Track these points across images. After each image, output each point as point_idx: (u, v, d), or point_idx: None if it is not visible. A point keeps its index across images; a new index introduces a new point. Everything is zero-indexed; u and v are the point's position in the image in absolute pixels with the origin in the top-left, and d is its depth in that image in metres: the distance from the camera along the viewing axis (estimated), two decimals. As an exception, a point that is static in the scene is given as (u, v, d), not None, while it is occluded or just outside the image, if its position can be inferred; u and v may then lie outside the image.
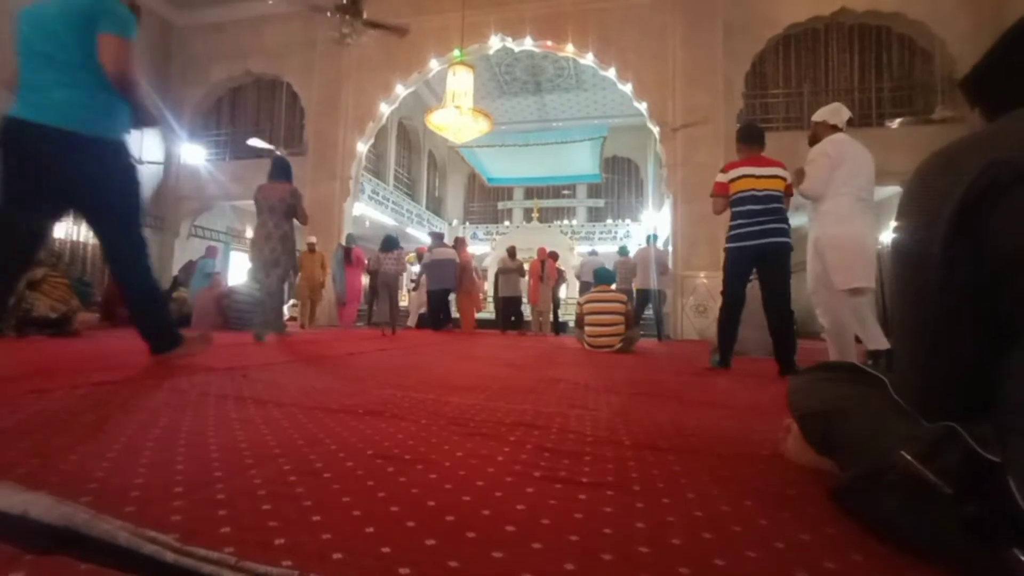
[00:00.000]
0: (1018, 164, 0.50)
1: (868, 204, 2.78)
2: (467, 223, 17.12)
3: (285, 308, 10.37)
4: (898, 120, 7.94)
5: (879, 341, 2.63)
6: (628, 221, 15.45)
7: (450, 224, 16.54)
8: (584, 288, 8.08)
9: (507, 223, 16.83)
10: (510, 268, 7.77)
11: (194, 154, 10.34)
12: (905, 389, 0.68)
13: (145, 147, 10.03)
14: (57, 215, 1.95)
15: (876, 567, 0.55)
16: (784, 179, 2.92)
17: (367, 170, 11.05)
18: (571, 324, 8.99)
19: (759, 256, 2.89)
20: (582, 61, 9.06)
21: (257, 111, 11.07)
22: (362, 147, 9.71)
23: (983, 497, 0.51)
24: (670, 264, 7.71)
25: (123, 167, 1.96)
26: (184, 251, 10.62)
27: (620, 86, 8.82)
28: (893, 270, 0.66)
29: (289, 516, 0.62)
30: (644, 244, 7.78)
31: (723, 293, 3.03)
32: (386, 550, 0.54)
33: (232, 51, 10.59)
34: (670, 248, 8.35)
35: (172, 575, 0.48)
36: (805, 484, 0.82)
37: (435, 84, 10.98)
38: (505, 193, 17.06)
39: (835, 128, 2.86)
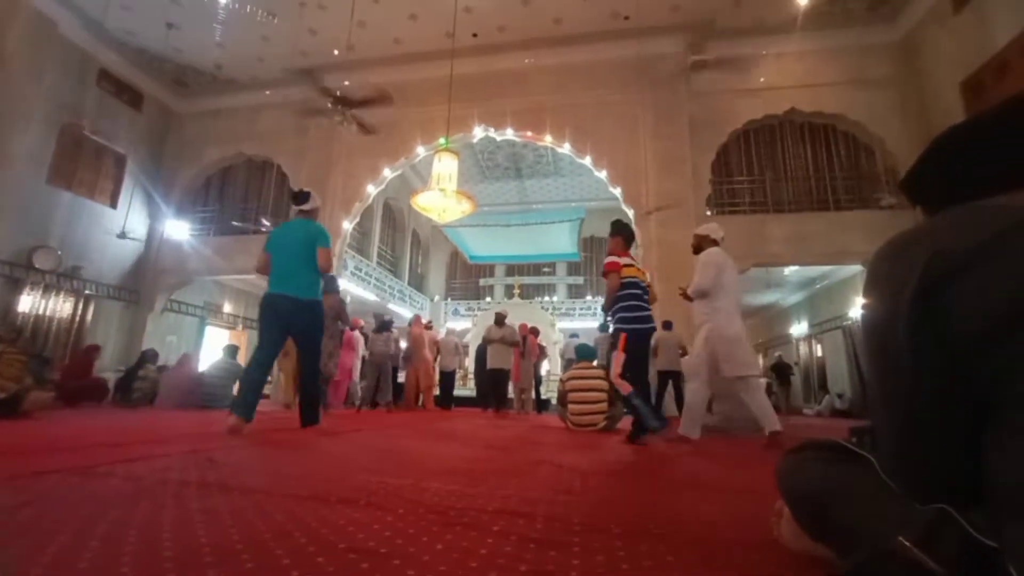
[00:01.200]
0: (960, 252, 0.54)
1: (737, 304, 3.48)
2: (449, 299, 17.20)
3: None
4: (853, 211, 8.55)
5: (774, 423, 3.14)
6: (607, 297, 15.74)
7: (432, 300, 16.59)
8: (568, 366, 8.02)
9: (488, 299, 16.96)
10: (494, 338, 7.14)
11: (178, 229, 10.39)
12: (891, 469, 0.68)
13: (130, 221, 10.07)
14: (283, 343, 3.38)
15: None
16: (645, 272, 3.62)
17: (351, 247, 11.22)
18: (554, 401, 8.83)
19: (643, 339, 3.36)
20: (560, 150, 9.70)
21: (246, 189, 11.35)
22: (347, 225, 9.93)
23: (983, 585, 0.49)
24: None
25: (320, 315, 3.39)
26: (157, 326, 10.34)
27: (596, 172, 9.40)
28: (865, 349, 0.68)
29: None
30: (665, 330, 7.85)
31: (628, 375, 3.22)
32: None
33: (227, 136, 11.07)
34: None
35: None
36: (806, 571, 0.78)
37: (421, 167, 11.54)
38: (487, 270, 17.38)
39: (715, 242, 3.59)
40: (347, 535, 0.93)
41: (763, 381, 6.89)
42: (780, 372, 11.24)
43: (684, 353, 7.55)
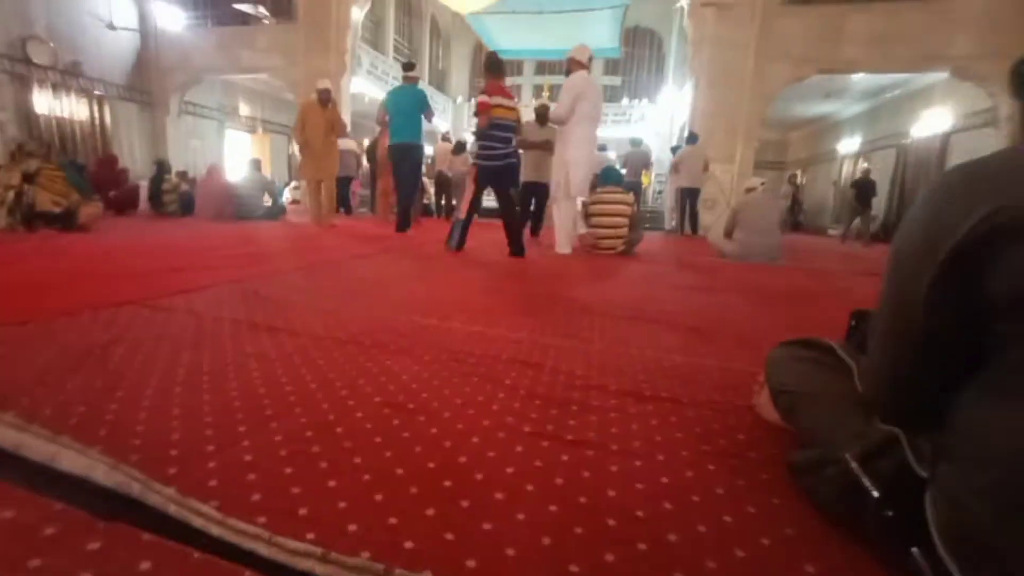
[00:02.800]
0: (1020, 217, 0.49)
1: (595, 131, 4.02)
2: (472, 100, 16.04)
3: (287, 191, 10.21)
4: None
5: (563, 246, 4.01)
6: (644, 101, 14.42)
7: (455, 102, 15.51)
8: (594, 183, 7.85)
9: (517, 101, 15.75)
10: (536, 140, 5.04)
11: (172, 18, 9.39)
12: (868, 383, 0.73)
13: (115, 5, 9.07)
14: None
15: (805, 544, 0.66)
16: (516, 109, 3.78)
17: (364, 40, 10.09)
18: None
19: (499, 172, 3.68)
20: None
21: (236, -36, 9.76)
22: (358, 14, 8.78)
23: (902, 505, 0.58)
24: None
25: (421, 153, 5.08)
26: (177, 130, 10.21)
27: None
28: (889, 265, 0.65)
29: (309, 481, 0.72)
30: (689, 143, 7.37)
31: (470, 200, 3.76)
32: (393, 521, 0.65)
33: None
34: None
35: (216, 546, 0.59)
36: (767, 446, 0.91)
37: (436, -68, 9.50)
38: (515, 67, 15.69)
39: (582, 65, 3.84)
40: (380, 386, 1.10)
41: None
42: (862, 191, 8.35)
43: (706, 168, 7.26)
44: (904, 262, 0.62)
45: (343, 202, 7.70)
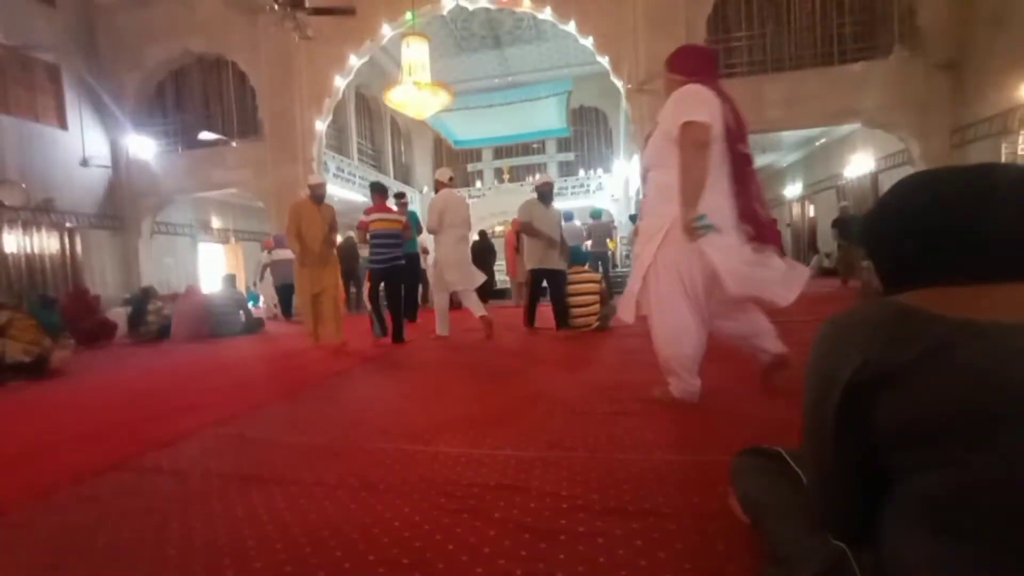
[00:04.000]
0: (888, 366, 0.60)
1: (464, 234, 4.65)
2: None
3: (259, 301, 10.17)
4: (859, 63, 7.92)
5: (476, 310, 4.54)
6: (600, 172, 15.35)
7: (420, 192, 16.20)
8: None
9: (479, 184, 16.57)
10: (542, 228, 4.60)
11: (143, 147, 9.82)
12: (807, 496, 0.81)
13: (88, 143, 9.48)
14: None
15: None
16: (400, 222, 4.68)
17: (329, 147, 10.67)
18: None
19: (386, 272, 4.57)
20: (540, 16, 8.70)
21: (205, 95, 10.47)
22: (321, 126, 9.36)
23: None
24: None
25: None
26: (150, 250, 10.32)
27: (581, 40, 8.55)
28: (805, 394, 0.76)
29: None
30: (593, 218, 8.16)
31: (371, 295, 4.84)
32: None
33: (165, 29, 9.85)
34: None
35: None
36: (744, 556, 0.97)
37: (390, 47, 10.43)
38: (474, 155, 16.68)
39: (444, 184, 4.62)
40: (374, 540, 1.12)
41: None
42: (844, 228, 8.28)
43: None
44: (810, 396, 0.72)
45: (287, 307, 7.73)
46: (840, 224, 8.35)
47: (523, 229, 4.64)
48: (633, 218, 8.56)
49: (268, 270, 7.91)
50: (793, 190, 13.06)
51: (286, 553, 1.09)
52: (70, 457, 1.89)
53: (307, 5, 5.75)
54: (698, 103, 1.89)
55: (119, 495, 1.47)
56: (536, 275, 4.72)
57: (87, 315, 5.88)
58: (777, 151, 11.91)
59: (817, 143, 11.08)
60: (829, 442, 0.68)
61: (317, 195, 4.47)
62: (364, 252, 7.23)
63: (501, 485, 1.38)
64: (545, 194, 4.79)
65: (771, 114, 8.03)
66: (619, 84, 8.49)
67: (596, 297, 4.41)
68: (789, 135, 9.98)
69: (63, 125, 9.29)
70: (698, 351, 2.03)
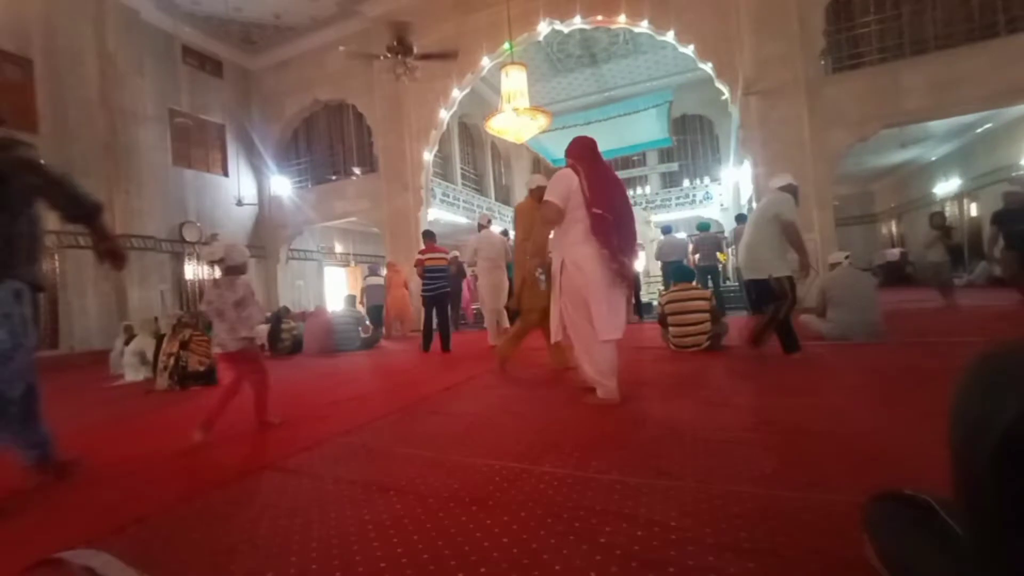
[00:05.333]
0: None
1: (497, 264, 5.47)
2: (537, 207, 17.11)
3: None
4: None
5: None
6: (707, 181, 14.56)
7: (520, 211, 16.65)
8: (666, 271, 7.86)
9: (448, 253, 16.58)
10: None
11: (281, 185, 11.38)
12: (966, 562, 0.70)
13: (242, 186, 11.22)
14: None
15: None
16: (446, 259, 5.77)
17: (435, 175, 11.45)
18: (655, 304, 8.80)
19: (435, 299, 5.65)
20: (636, 29, 8.60)
21: (330, 136, 11.90)
22: (428, 156, 10.09)
23: None
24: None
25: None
26: (285, 274, 11.86)
27: (681, 48, 8.28)
28: (951, 438, 0.67)
29: None
30: (744, 220, 7.55)
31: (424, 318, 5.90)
32: None
33: (300, 84, 11.41)
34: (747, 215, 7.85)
35: None
36: None
37: (490, 76, 11.00)
38: (572, 172, 16.77)
39: (482, 227, 5.71)
40: (485, 555, 1.18)
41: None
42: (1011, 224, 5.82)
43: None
44: (959, 442, 0.64)
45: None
46: (1004, 220, 5.72)
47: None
48: (739, 218, 7.96)
49: (364, 294, 9.03)
50: (946, 187, 11.20)
51: (407, 557, 1.19)
52: (236, 453, 2.23)
53: (415, 52, 6.31)
54: (555, 186, 2.58)
55: (272, 493, 1.71)
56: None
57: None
58: (922, 144, 10.33)
59: (978, 130, 9.43)
60: (987, 496, 0.60)
61: (538, 197, 3.83)
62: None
63: (607, 510, 1.37)
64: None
65: (911, 103, 7.05)
66: (724, 89, 8.05)
67: (706, 315, 4.16)
68: (938, 124, 8.61)
69: (225, 173, 11.15)
70: (612, 359, 2.61)
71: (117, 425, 3.21)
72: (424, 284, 5.61)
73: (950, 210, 11.22)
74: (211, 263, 2.91)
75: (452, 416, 2.67)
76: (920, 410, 2.08)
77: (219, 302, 2.52)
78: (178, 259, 9.68)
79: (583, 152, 2.70)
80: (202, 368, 4.28)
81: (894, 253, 12.56)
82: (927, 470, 1.43)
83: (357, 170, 11.04)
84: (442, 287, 5.62)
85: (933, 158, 11.39)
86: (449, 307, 6.02)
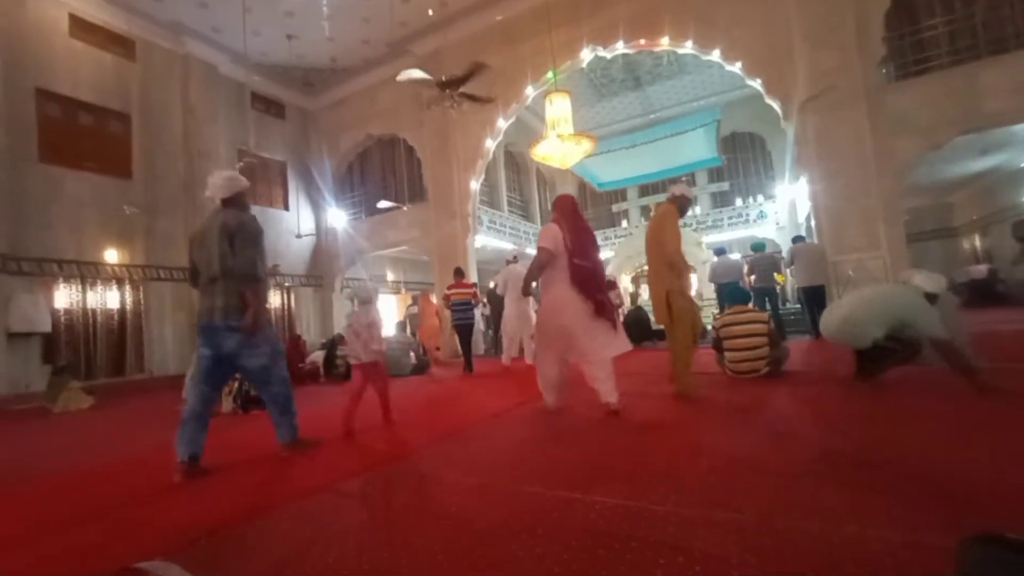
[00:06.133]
0: None
1: (517, 294, 5.69)
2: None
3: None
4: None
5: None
6: (761, 199, 14.03)
7: (566, 235, 16.66)
8: (720, 293, 7.58)
9: (624, 224, 16.43)
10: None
11: (337, 218, 12.00)
12: None
13: (301, 219, 11.94)
14: None
15: None
16: (471, 292, 6.56)
17: (482, 203, 11.71)
18: (709, 328, 8.45)
19: (461, 327, 6.47)
20: (680, 51, 8.58)
21: (382, 169, 12.50)
22: (475, 185, 10.36)
23: None
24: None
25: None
26: (341, 303, 12.36)
27: (728, 66, 8.15)
28: None
29: None
30: (801, 240, 7.24)
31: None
32: None
33: (354, 120, 12.13)
34: (814, 232, 7.47)
35: None
36: None
37: (534, 105, 11.25)
38: (618, 195, 16.66)
39: (509, 262, 6.33)
40: (534, 585, 1.15)
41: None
42: None
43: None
44: None
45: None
46: None
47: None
48: (797, 239, 7.57)
49: (408, 321, 9.47)
50: (1036, 196, 10.23)
51: (456, 586, 1.18)
52: (293, 477, 2.32)
53: (460, 88, 6.62)
54: (547, 236, 3.10)
55: (327, 515, 1.76)
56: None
57: (301, 358, 7.22)
58: (1007, 149, 9.50)
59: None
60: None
61: (683, 207, 3.72)
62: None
63: (662, 542, 1.31)
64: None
65: (992, 106, 6.53)
66: (775, 105, 7.81)
67: (764, 339, 3.95)
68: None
69: (286, 207, 11.92)
70: (553, 380, 3.25)
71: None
72: (453, 315, 6.49)
73: (1042, 220, 10.18)
74: (351, 298, 3.71)
75: (502, 442, 2.66)
76: (1013, 443, 1.87)
77: (357, 325, 3.35)
78: (245, 288, 10.36)
79: (565, 209, 3.25)
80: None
81: (980, 270, 11.49)
82: (1014, 511, 1.28)
83: (405, 206, 11.54)
84: (467, 317, 6.50)
85: (1022, 164, 10.45)
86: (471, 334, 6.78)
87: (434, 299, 8.58)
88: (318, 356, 7.55)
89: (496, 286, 7.27)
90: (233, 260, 2.47)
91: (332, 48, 10.73)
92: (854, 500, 1.48)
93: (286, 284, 11.29)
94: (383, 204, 11.17)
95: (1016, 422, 2.21)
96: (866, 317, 3.14)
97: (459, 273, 6.86)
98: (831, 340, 3.42)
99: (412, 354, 7.05)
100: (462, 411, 3.76)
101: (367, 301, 3.45)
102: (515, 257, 6.54)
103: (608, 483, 1.80)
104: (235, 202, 2.74)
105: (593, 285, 3.03)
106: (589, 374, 3.08)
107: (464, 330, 6.50)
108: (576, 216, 3.22)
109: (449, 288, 6.63)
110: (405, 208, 11.60)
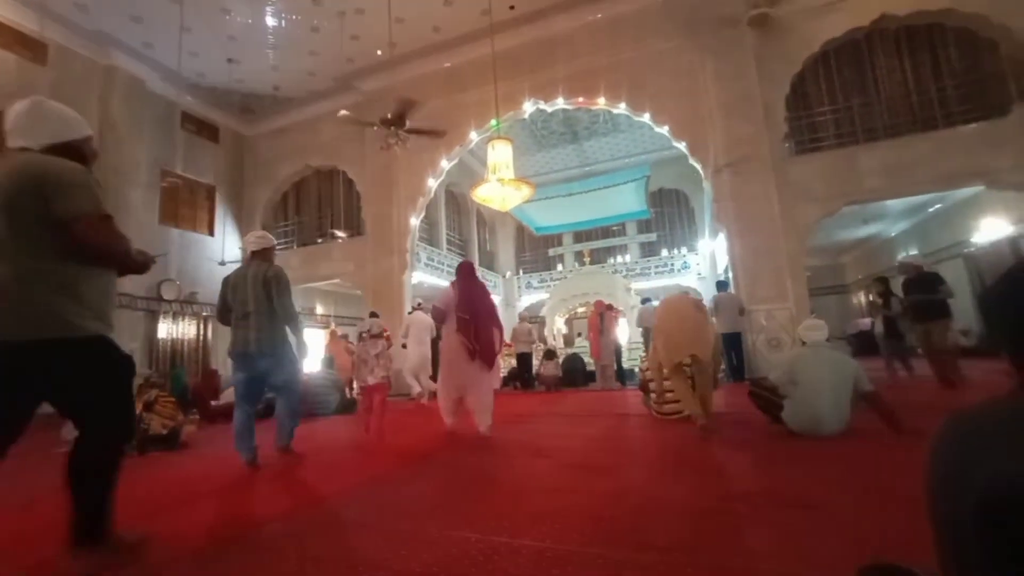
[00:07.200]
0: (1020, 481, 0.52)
1: (423, 338, 6.75)
2: (520, 272, 17.42)
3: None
4: (973, 124, 7.34)
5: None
6: (684, 251, 15.10)
7: (503, 276, 16.89)
8: (646, 335, 7.94)
9: (560, 268, 16.95)
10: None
11: (269, 246, 11.42)
12: None
13: (227, 246, 11.24)
14: None
15: None
16: (383, 335, 5.58)
17: (421, 239, 11.66)
18: (636, 370, 8.78)
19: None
20: (615, 110, 9.26)
21: (319, 200, 12.15)
22: (415, 221, 10.33)
23: None
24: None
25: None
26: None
27: (657, 128, 8.90)
28: (929, 502, 0.66)
29: None
30: (722, 290, 7.77)
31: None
32: None
33: (294, 151, 11.81)
34: (731, 282, 8.11)
35: None
36: None
37: (477, 149, 11.57)
38: (555, 240, 17.27)
39: (416, 309, 7.03)
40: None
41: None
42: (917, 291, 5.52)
43: (742, 312, 7.49)
44: (937, 505, 0.63)
45: None
46: (915, 286, 5.51)
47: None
48: (721, 285, 8.14)
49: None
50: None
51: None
52: (198, 518, 2.06)
53: (407, 124, 6.67)
54: (443, 296, 3.99)
55: (234, 567, 1.57)
56: None
57: (214, 395, 6.60)
58: (882, 220, 11.01)
59: (930, 209, 10.13)
60: (969, 556, 0.59)
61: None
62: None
63: (589, 587, 1.29)
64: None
65: (870, 183, 7.59)
66: (698, 166, 8.58)
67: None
68: (896, 203, 9.23)
69: (211, 232, 11.20)
70: (450, 407, 4.02)
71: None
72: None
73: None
74: (360, 334, 4.63)
75: (430, 485, 2.54)
76: (907, 483, 2.06)
77: (364, 354, 4.34)
78: (153, 317, 9.44)
79: (462, 272, 4.11)
80: (164, 431, 4.05)
81: (866, 323, 12.92)
82: (903, 541, 1.40)
83: (342, 234, 11.21)
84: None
85: (893, 233, 12.09)
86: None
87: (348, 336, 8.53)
88: (231, 392, 6.95)
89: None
90: (267, 303, 3.12)
91: (276, 76, 10.54)
92: (772, 537, 1.55)
93: (203, 314, 10.42)
94: (340, 234, 10.80)
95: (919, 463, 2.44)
96: (846, 401, 3.07)
97: (374, 314, 7.10)
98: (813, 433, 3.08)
99: (337, 392, 6.68)
100: (387, 451, 3.58)
101: (377, 336, 4.42)
102: (419, 304, 7.31)
103: (537, 526, 1.77)
104: (264, 255, 3.33)
105: (471, 335, 3.76)
106: (468, 404, 3.89)
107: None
108: (469, 279, 4.07)
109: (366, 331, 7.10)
110: (341, 240, 11.28)
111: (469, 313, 3.80)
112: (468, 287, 3.97)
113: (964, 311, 9.63)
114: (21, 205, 1.42)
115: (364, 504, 2.24)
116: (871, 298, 6.40)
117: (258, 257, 3.30)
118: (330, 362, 7.50)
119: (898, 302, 5.96)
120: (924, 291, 5.40)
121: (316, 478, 2.85)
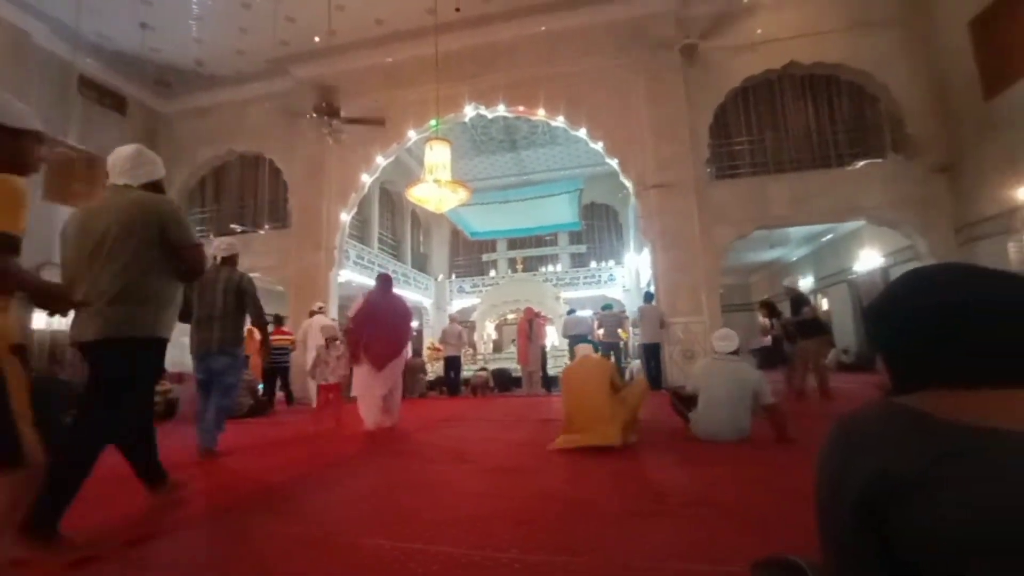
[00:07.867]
0: (901, 476, 0.58)
1: (319, 344, 5.50)
2: (453, 276, 17.30)
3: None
4: (858, 164, 8.35)
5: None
6: (611, 263, 15.75)
7: (436, 279, 16.67)
8: (572, 345, 8.16)
9: (493, 273, 17.02)
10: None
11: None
12: None
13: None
14: None
15: None
16: (291, 340, 7.36)
17: (352, 236, 11.22)
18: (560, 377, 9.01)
19: (281, 368, 7.59)
20: (553, 123, 9.50)
21: (241, 188, 11.31)
22: (345, 217, 9.91)
23: None
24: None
25: None
26: (182, 331, 10.53)
27: (592, 143, 9.23)
28: (816, 499, 0.72)
29: None
30: (648, 302, 8.14)
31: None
32: None
33: (217, 134, 10.92)
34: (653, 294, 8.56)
35: None
36: None
37: (415, 148, 11.36)
38: (489, 245, 17.34)
39: (314, 312, 7.11)
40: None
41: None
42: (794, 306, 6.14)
43: (663, 325, 7.90)
44: (821, 502, 0.70)
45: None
46: (791, 308, 6.13)
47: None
48: (648, 296, 8.55)
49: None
50: (805, 284, 13.13)
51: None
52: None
53: (342, 114, 6.40)
54: (353, 307, 4.44)
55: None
56: None
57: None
58: (785, 246, 12.18)
59: (824, 239, 11.35)
60: (848, 554, 0.65)
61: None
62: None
63: (504, 592, 1.28)
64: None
65: (777, 211, 8.34)
66: (628, 183, 8.99)
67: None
68: (797, 231, 10.26)
69: (110, 213, 10.03)
70: (372, 411, 4.29)
71: None
72: (272, 357, 7.10)
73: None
74: (325, 337, 4.93)
75: (345, 491, 2.43)
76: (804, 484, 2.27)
77: (326, 356, 4.73)
78: (27, 305, 8.26)
79: (379, 284, 4.60)
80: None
81: (766, 340, 14.20)
82: (798, 535, 1.53)
83: (266, 225, 10.51)
84: (284, 360, 7.61)
85: (794, 258, 13.41)
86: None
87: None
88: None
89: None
90: (236, 308, 3.44)
91: (199, 50, 9.70)
92: (679, 537, 1.63)
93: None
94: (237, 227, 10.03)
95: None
96: (744, 411, 3.24)
97: (278, 320, 7.78)
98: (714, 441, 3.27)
99: (250, 394, 6.23)
100: (304, 457, 3.38)
101: (335, 339, 4.79)
102: (320, 307, 7.40)
103: (455, 531, 1.74)
104: (232, 261, 3.63)
105: (358, 343, 4.25)
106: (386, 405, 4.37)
107: (280, 372, 7.62)
108: (384, 292, 4.53)
109: (273, 334, 7.26)
110: (262, 232, 10.57)
111: (361, 327, 4.27)
112: (373, 300, 4.38)
113: (846, 332, 10.92)
114: (143, 233, 1.89)
115: (275, 511, 2.09)
116: (760, 319, 7.25)
117: (227, 263, 3.58)
118: (245, 362, 6.94)
119: (778, 323, 6.64)
120: (793, 312, 6.07)
121: (225, 484, 2.62)
